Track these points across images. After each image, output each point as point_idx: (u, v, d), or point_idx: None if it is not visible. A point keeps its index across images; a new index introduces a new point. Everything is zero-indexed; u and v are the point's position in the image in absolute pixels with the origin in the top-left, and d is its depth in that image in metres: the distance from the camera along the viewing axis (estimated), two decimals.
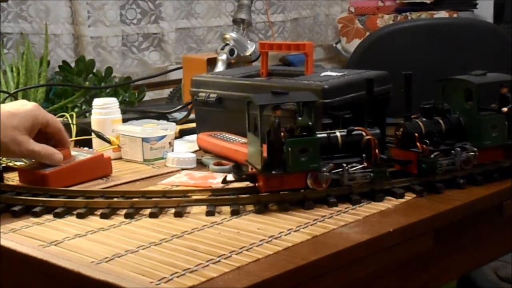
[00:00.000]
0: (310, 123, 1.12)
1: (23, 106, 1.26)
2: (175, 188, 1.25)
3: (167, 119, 1.72)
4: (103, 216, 1.11)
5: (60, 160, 1.28)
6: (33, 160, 1.33)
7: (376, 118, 1.38)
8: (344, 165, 1.13)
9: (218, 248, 0.95)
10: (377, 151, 1.14)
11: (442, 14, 2.94)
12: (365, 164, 1.14)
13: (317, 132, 1.14)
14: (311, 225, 1.04)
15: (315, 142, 1.11)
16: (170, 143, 1.46)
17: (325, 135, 1.16)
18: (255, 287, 0.85)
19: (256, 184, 1.14)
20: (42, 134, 1.29)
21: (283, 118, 1.11)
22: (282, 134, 1.11)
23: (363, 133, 1.16)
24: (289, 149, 1.10)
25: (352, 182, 1.13)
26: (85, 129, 1.50)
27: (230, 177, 1.17)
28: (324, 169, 1.12)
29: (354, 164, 1.13)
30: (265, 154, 1.11)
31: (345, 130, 1.17)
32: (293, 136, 1.11)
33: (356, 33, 3.09)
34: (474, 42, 2.09)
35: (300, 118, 1.13)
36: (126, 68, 2.59)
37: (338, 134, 1.17)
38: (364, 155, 1.15)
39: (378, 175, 1.14)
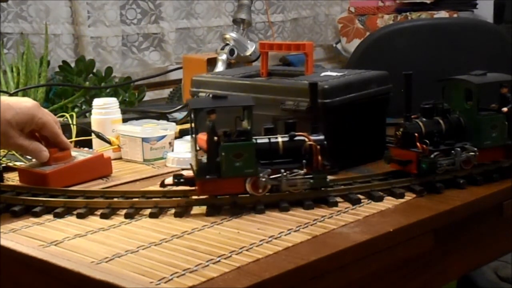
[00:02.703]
0: (249, 127, 1.11)
1: (22, 103, 1.26)
2: (175, 188, 1.24)
3: (167, 119, 1.72)
4: (103, 216, 1.11)
5: (46, 157, 1.29)
6: (33, 160, 1.34)
7: (374, 118, 1.38)
8: (282, 170, 1.11)
9: (218, 248, 0.95)
10: (319, 157, 1.12)
11: (442, 14, 2.94)
12: (305, 170, 1.12)
13: (258, 137, 1.13)
14: (311, 225, 1.04)
15: (250, 147, 1.10)
16: (170, 143, 1.46)
17: (266, 140, 1.14)
18: (255, 287, 0.85)
19: (195, 188, 1.13)
20: (43, 137, 1.29)
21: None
22: (216, 138, 1.10)
23: (306, 139, 1.14)
24: (223, 153, 1.09)
25: (292, 188, 1.12)
26: (85, 129, 1.50)
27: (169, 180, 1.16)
28: (262, 174, 1.11)
29: (295, 170, 1.12)
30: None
31: (287, 135, 1.15)
32: (228, 141, 1.10)
33: (356, 33, 3.09)
34: (474, 42, 2.08)
35: (244, 122, 1.12)
36: (126, 68, 2.59)
37: (279, 139, 1.14)
38: (304, 161, 1.13)
39: (318, 181, 1.13)
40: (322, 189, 1.16)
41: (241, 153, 1.09)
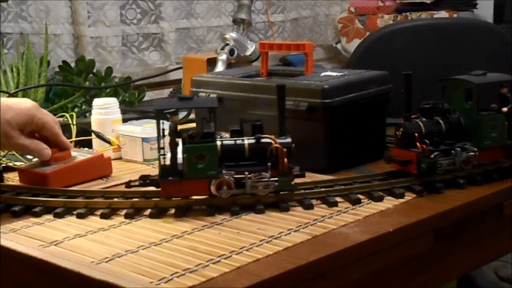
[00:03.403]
0: (213, 129, 1.10)
1: (22, 103, 1.27)
2: None
3: (167, 119, 1.71)
4: (103, 216, 1.11)
5: (49, 155, 1.29)
6: (33, 160, 1.34)
7: (374, 118, 1.38)
8: (246, 173, 1.11)
9: (218, 248, 0.96)
10: (285, 160, 1.11)
11: (442, 14, 2.93)
12: (270, 173, 1.11)
13: (224, 139, 1.12)
14: (311, 225, 1.04)
15: (213, 149, 1.09)
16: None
17: (232, 142, 1.13)
18: (255, 287, 0.85)
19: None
20: (42, 137, 1.29)
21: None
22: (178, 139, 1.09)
23: (272, 142, 1.13)
24: (185, 155, 1.09)
25: (256, 191, 1.11)
26: (85, 129, 1.50)
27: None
28: (226, 175, 1.10)
29: (263, 173, 1.11)
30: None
31: (254, 137, 1.14)
32: (192, 142, 1.10)
33: (356, 33, 3.09)
34: (474, 42, 2.08)
35: (212, 124, 1.11)
36: (126, 68, 2.59)
37: (245, 141, 1.13)
38: (269, 163, 1.12)
39: (283, 184, 1.12)
40: (322, 189, 1.16)
41: (204, 155, 1.09)
